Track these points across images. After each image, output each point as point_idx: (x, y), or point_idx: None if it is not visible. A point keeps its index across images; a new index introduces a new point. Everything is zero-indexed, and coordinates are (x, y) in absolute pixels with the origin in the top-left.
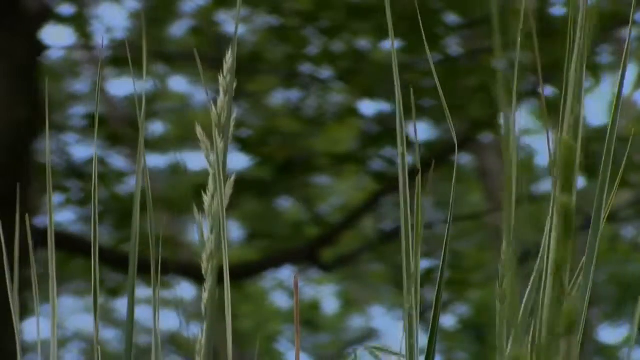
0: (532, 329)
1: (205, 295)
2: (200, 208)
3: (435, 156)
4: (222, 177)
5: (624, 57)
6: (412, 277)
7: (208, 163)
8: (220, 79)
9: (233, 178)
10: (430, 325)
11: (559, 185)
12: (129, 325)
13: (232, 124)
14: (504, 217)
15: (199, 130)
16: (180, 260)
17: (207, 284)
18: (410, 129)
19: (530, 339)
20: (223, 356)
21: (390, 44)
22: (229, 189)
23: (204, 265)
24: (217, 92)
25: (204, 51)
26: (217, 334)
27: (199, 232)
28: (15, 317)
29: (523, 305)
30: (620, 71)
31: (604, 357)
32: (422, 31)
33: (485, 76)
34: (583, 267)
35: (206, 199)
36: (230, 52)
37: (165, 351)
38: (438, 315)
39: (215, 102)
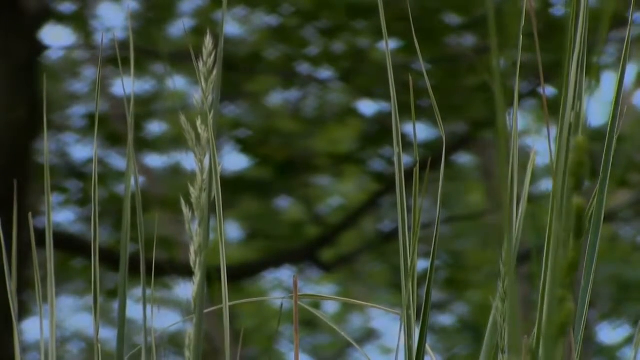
0: (534, 330)
1: (194, 289)
2: (188, 202)
3: (435, 156)
4: (213, 169)
5: (623, 57)
6: (409, 277)
7: (194, 154)
8: (200, 65)
9: (220, 167)
10: (421, 322)
11: (571, 185)
12: (120, 324)
13: (213, 112)
14: (504, 216)
15: (182, 120)
16: (181, 261)
17: (196, 278)
18: (411, 129)
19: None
20: (228, 353)
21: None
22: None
23: (191, 259)
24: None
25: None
26: (218, 333)
27: (186, 225)
28: (14, 317)
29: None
30: (620, 71)
31: (604, 357)
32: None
33: (486, 76)
34: (584, 268)
35: (193, 191)
36: (208, 37)
37: (167, 351)
38: (428, 314)
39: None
